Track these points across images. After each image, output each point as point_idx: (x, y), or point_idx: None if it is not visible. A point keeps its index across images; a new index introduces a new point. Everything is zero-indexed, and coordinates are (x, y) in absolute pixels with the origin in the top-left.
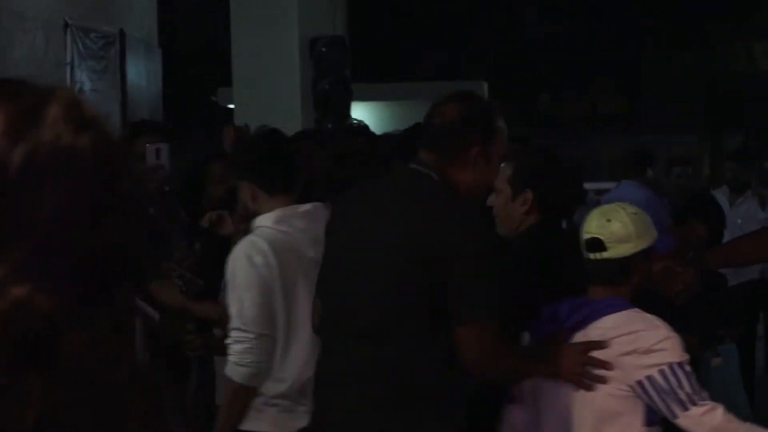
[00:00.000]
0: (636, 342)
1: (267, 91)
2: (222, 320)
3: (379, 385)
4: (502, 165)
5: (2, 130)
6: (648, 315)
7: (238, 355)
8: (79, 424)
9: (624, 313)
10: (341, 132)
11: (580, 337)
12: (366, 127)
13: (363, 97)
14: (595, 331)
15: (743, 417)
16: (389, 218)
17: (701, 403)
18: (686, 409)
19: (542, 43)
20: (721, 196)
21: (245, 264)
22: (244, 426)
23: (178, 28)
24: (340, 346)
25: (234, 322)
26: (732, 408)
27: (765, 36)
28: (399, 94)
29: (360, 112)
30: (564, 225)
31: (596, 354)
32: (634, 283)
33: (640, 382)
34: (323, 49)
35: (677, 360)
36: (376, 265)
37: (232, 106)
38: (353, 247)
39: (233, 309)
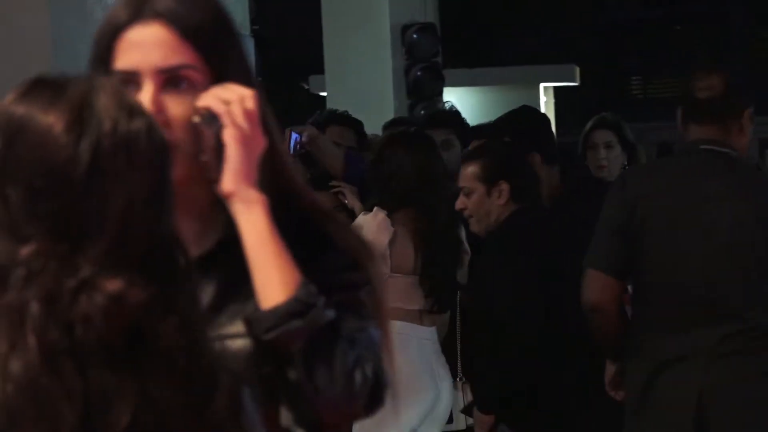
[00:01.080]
0: None
1: (358, 78)
2: None
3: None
4: (461, 167)
5: (64, 127)
6: None
7: None
8: (171, 407)
9: None
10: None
11: None
12: (456, 113)
13: (455, 83)
14: None
15: None
16: (733, 206)
17: None
18: None
19: (629, 26)
20: None
21: None
22: None
23: (269, 16)
24: (702, 327)
25: None
26: None
27: None
28: (491, 79)
29: (452, 97)
30: None
31: None
32: None
33: None
34: (414, 36)
35: None
36: (748, 249)
37: (323, 93)
38: (704, 235)
39: None
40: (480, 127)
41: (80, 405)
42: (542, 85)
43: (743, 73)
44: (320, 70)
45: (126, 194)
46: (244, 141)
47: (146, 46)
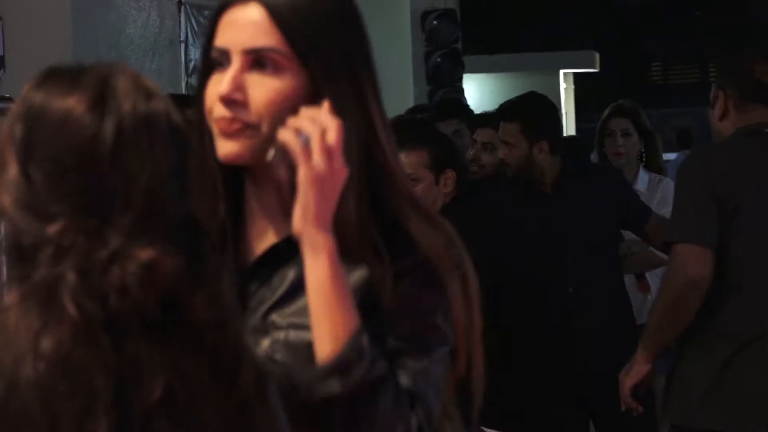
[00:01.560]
0: None
1: (379, 64)
2: None
3: None
4: (405, 155)
5: (86, 108)
6: None
7: None
8: (200, 380)
9: None
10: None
11: None
12: (460, 101)
13: (474, 69)
14: None
15: None
16: None
17: None
18: None
19: (650, 12)
20: None
21: None
22: None
23: None
24: None
25: None
26: None
27: None
28: (511, 66)
29: (471, 84)
30: None
31: None
32: None
33: None
34: (434, 22)
35: None
36: None
37: None
38: None
39: None
40: (485, 115)
41: (115, 378)
42: (562, 71)
43: None
44: None
45: (150, 169)
46: (319, 182)
47: (238, 25)
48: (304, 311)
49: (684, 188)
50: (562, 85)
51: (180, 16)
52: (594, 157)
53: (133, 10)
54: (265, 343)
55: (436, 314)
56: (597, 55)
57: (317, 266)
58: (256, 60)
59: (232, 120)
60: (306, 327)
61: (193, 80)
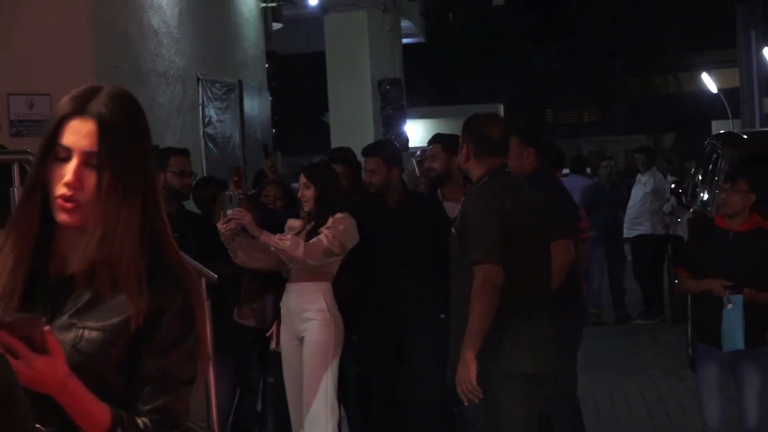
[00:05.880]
0: None
1: (352, 116)
2: None
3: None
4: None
5: None
6: None
7: None
8: None
9: None
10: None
11: None
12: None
13: (415, 117)
14: None
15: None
16: None
17: None
18: None
19: (545, 77)
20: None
21: None
22: None
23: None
24: None
25: None
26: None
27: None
28: (439, 114)
29: (413, 127)
30: None
31: None
32: None
33: None
34: (387, 87)
35: None
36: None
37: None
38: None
39: None
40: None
41: None
42: None
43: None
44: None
45: None
46: (31, 380)
47: (81, 133)
48: (96, 317)
49: (485, 218)
50: None
51: (198, 87)
52: None
53: (163, 85)
54: (70, 336)
55: (187, 340)
56: (501, 107)
57: (65, 400)
58: (87, 160)
59: (70, 199)
60: (97, 329)
61: (209, 130)
